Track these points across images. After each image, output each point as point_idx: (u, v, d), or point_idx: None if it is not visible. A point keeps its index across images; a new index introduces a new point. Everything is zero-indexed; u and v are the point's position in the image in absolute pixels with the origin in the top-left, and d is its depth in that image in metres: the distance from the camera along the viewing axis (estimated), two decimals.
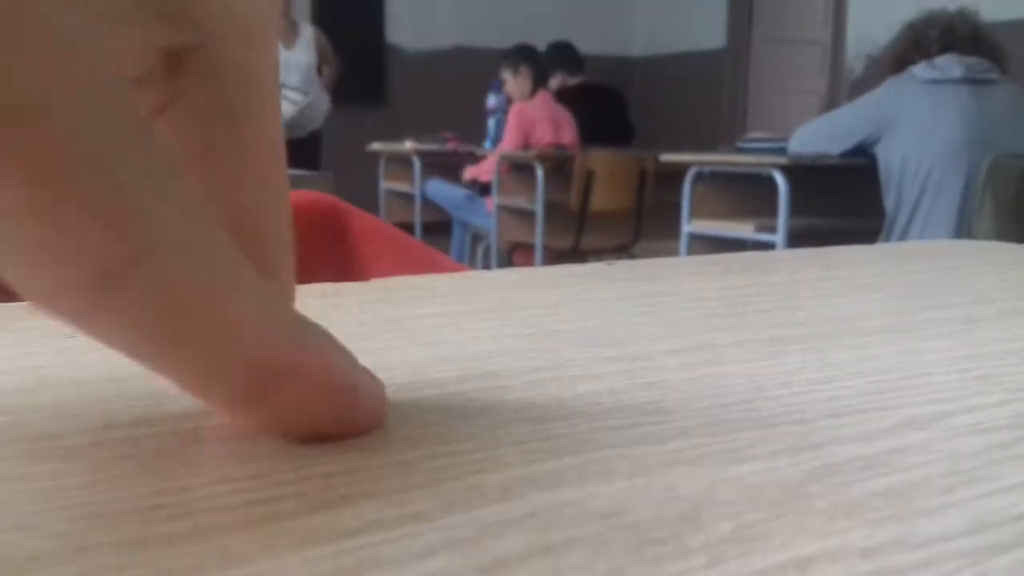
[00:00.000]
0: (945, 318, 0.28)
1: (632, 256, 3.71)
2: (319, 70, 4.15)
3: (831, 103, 6.15)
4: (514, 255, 4.01)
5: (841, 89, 6.07)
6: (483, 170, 4.16)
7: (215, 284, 0.12)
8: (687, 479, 0.14)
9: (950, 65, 2.38)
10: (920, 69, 2.43)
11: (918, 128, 2.42)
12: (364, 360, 0.21)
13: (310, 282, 0.32)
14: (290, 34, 4.04)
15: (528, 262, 3.84)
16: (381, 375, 0.20)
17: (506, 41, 4.70)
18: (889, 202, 2.54)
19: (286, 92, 3.95)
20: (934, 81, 2.40)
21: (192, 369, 0.13)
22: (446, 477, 0.14)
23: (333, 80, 4.22)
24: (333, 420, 0.15)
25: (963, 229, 2.36)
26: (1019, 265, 0.40)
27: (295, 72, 4.06)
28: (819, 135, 2.67)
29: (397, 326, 0.25)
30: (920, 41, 2.48)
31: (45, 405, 0.17)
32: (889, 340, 0.24)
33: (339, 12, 6.32)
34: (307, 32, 4.12)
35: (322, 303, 0.28)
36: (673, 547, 0.12)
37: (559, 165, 3.81)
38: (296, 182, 1.82)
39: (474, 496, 0.13)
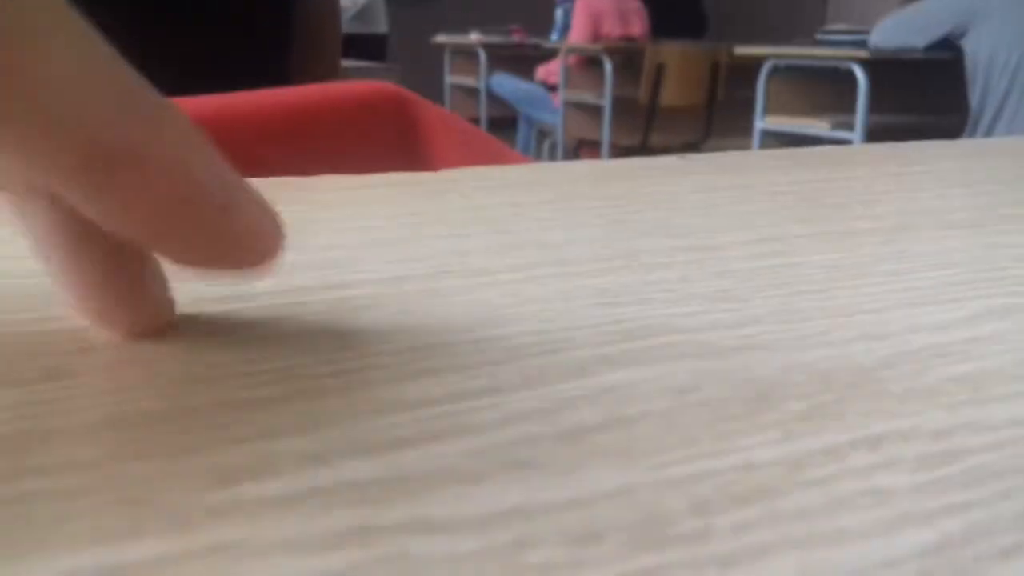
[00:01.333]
0: None
1: (701, 153, 3.62)
2: None
3: None
4: (580, 152, 3.96)
5: None
6: (551, 71, 4.07)
7: (32, 34, 0.10)
8: (759, 362, 0.14)
9: None
10: None
11: (1009, 18, 2.29)
12: (436, 246, 0.21)
13: (377, 171, 0.32)
14: None
15: (594, 158, 3.78)
16: (454, 260, 0.20)
17: None
18: (974, 98, 2.42)
19: None
20: None
21: (19, 144, 0.11)
22: (523, 355, 0.14)
23: None
24: (196, 238, 0.12)
25: None
26: None
27: None
28: (903, 27, 2.54)
29: (469, 215, 0.25)
30: None
31: None
32: (967, 234, 0.24)
33: None
34: None
35: (392, 192, 0.29)
36: (745, 423, 0.12)
37: (628, 58, 3.70)
38: (361, 73, 1.82)
39: (550, 372, 0.14)
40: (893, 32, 2.57)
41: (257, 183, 0.27)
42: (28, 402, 0.12)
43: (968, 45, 2.41)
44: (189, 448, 0.11)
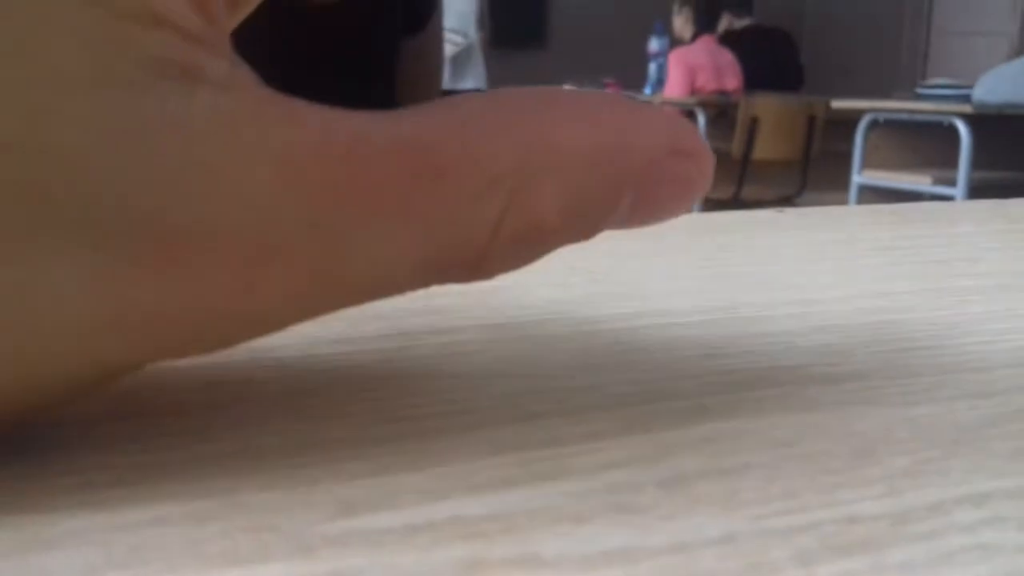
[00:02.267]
0: None
1: (795, 207, 3.56)
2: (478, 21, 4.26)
3: (1022, 47, 5.64)
4: None
5: None
6: None
7: None
8: (863, 417, 0.14)
9: None
10: None
11: None
12: (538, 294, 0.22)
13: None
14: None
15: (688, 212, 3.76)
16: (556, 308, 0.21)
17: None
18: None
19: (446, 35, 4.07)
20: None
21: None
22: (625, 403, 0.15)
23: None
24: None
25: None
26: None
27: (453, 17, 4.18)
28: (1011, 81, 2.47)
29: (569, 265, 0.26)
30: None
31: None
32: None
33: None
34: None
35: None
36: (848, 477, 0.12)
37: (722, 111, 3.69)
38: None
39: (653, 420, 0.14)
40: (1000, 86, 2.51)
41: None
42: (161, 434, 0.13)
43: None
44: (310, 481, 0.12)
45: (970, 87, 2.65)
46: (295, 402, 0.14)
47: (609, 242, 0.30)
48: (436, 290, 0.22)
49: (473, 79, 4.43)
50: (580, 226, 0.12)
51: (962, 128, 2.43)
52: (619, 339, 0.18)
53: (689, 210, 0.13)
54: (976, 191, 2.44)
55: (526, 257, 0.12)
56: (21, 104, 0.09)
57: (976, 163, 2.44)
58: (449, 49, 4.18)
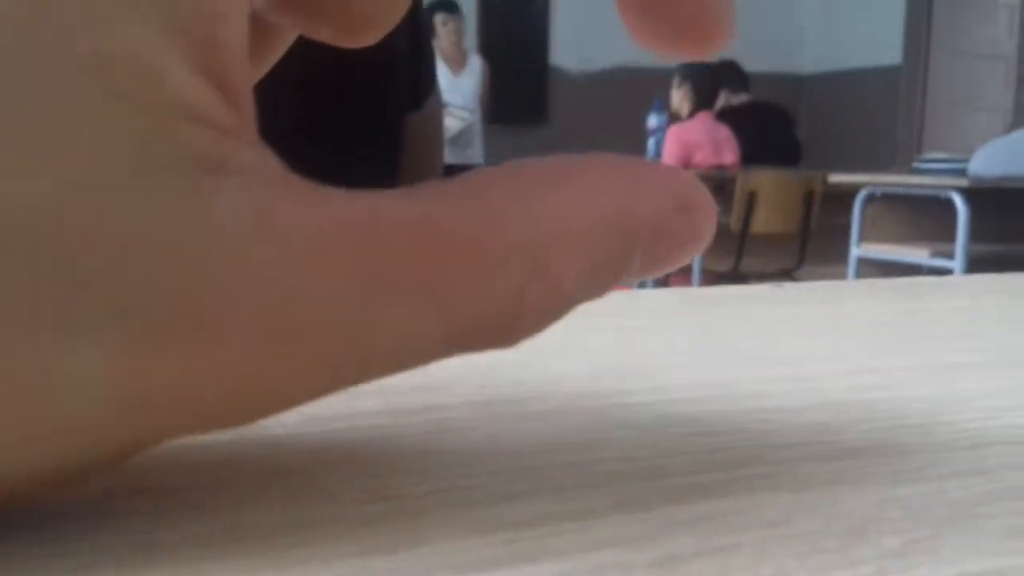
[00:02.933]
0: None
1: (796, 280, 3.59)
2: (480, 100, 4.45)
3: (1017, 122, 5.73)
4: (670, 277, 3.96)
5: None
6: None
7: None
8: (854, 496, 0.14)
9: None
10: None
11: None
12: (532, 370, 0.22)
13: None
14: (460, 62, 4.37)
15: (685, 284, 3.78)
16: (548, 385, 0.21)
17: (669, 61, 4.65)
18: None
19: (453, 110, 4.25)
20: None
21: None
22: (616, 481, 0.15)
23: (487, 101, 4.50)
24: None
25: None
26: None
27: (460, 95, 4.35)
28: (1006, 154, 2.50)
29: (562, 340, 0.26)
30: None
31: None
32: None
33: (505, 36, 6.48)
34: (475, 62, 4.48)
35: None
36: (839, 557, 0.12)
37: (720, 185, 3.73)
38: None
39: (643, 499, 0.14)
40: (995, 159, 2.54)
41: None
42: (154, 513, 0.13)
43: None
44: (300, 562, 0.12)
45: (966, 161, 2.69)
46: (287, 480, 0.14)
47: (604, 317, 0.30)
48: (432, 365, 0.22)
49: (474, 153, 4.54)
50: (596, 286, 0.12)
51: (959, 201, 2.46)
52: (611, 415, 0.18)
53: (694, 257, 0.13)
54: (974, 264, 2.45)
55: (547, 321, 0.12)
56: (59, 193, 0.09)
57: (974, 236, 2.46)
58: (456, 124, 4.30)
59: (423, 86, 0.62)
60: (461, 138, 4.37)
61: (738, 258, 3.59)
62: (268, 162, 0.10)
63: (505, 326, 0.12)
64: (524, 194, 0.11)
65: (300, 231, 0.10)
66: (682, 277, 3.86)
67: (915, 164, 3.00)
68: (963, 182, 2.47)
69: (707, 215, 0.13)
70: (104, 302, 0.09)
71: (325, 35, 0.14)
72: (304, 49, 0.16)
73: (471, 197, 0.11)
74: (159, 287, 0.09)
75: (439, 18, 4.39)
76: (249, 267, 0.10)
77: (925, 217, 2.73)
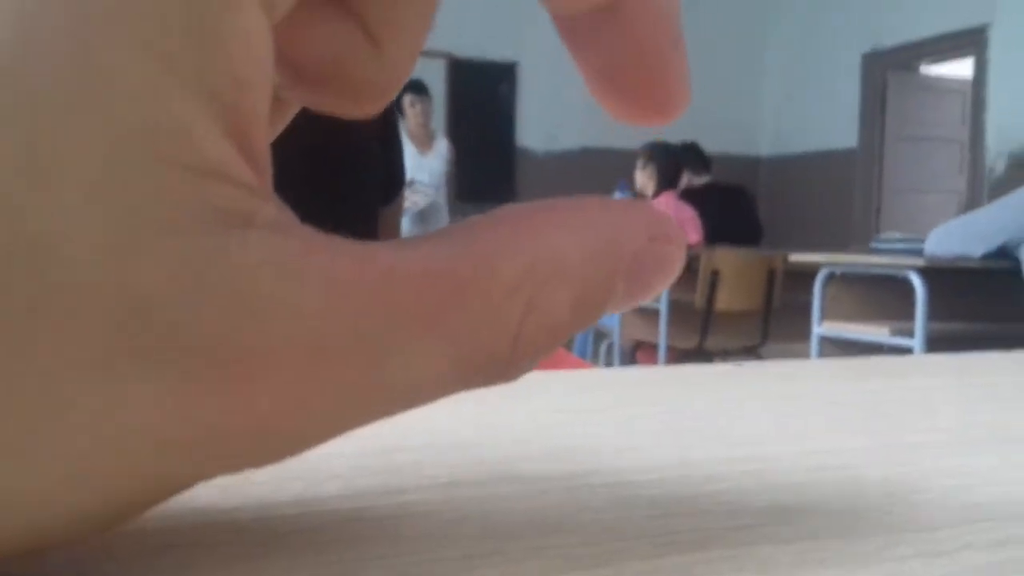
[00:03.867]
0: None
1: (760, 358, 3.62)
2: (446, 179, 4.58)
3: (971, 203, 5.92)
4: (637, 354, 3.98)
5: (982, 189, 5.84)
6: None
7: None
8: None
9: None
10: None
11: None
12: (494, 452, 0.22)
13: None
14: (426, 143, 4.50)
15: (651, 361, 3.80)
16: (511, 466, 0.21)
17: (632, 142, 4.77)
18: None
19: (420, 188, 4.36)
20: None
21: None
22: (577, 566, 0.15)
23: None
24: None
25: None
26: None
27: (426, 174, 4.45)
28: (960, 234, 2.56)
29: (526, 421, 0.26)
30: None
31: None
32: None
33: (473, 117, 6.61)
34: (442, 144, 4.60)
35: (456, 396, 0.30)
36: None
37: (684, 264, 3.78)
38: None
39: None
40: (949, 239, 2.60)
41: None
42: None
43: None
44: None
45: (922, 241, 2.75)
46: (249, 566, 0.14)
47: (569, 396, 0.30)
48: (394, 447, 0.22)
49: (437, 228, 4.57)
50: (586, 318, 0.13)
51: (916, 281, 2.51)
52: (571, 498, 0.18)
53: (668, 285, 0.14)
54: (934, 342, 2.49)
55: (544, 354, 0.13)
56: (106, 247, 0.10)
57: (932, 314, 2.51)
58: (423, 200, 4.37)
59: (394, 183, 0.63)
60: (427, 213, 4.45)
61: (703, 335, 3.62)
62: (288, 216, 0.12)
63: (506, 358, 0.13)
64: (518, 236, 0.13)
65: (322, 278, 0.11)
66: (649, 354, 3.88)
67: (872, 244, 3.07)
68: (920, 262, 2.53)
69: (679, 246, 0.14)
70: (146, 346, 0.10)
71: (330, 105, 0.15)
72: (281, 146, 0.17)
73: (469, 242, 0.12)
74: (194, 330, 0.10)
75: (407, 99, 4.48)
76: (279, 312, 0.11)
77: (884, 296, 2.78)
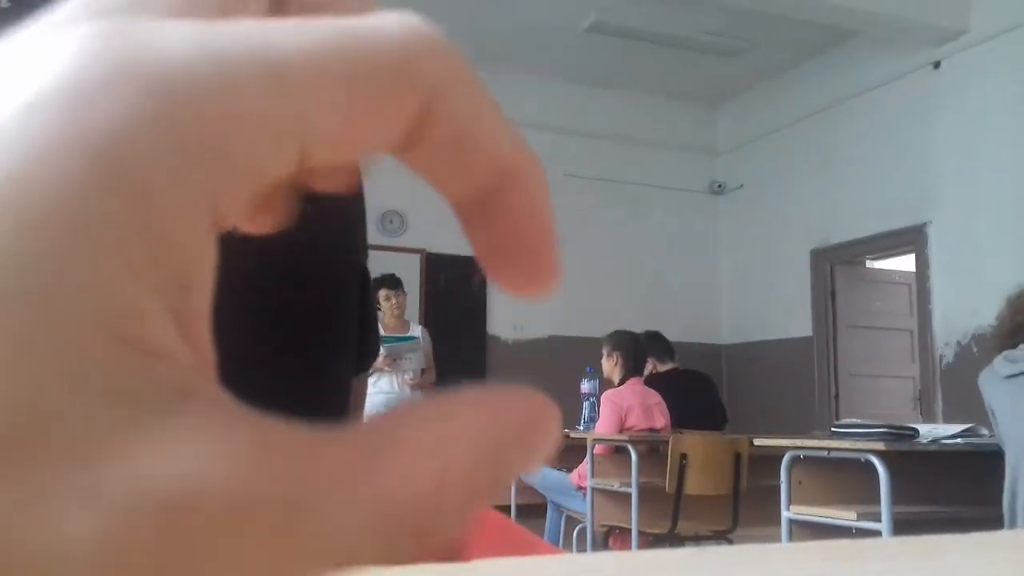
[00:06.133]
0: None
1: (731, 542, 3.55)
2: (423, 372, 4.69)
3: (925, 389, 6.05)
4: (610, 539, 3.88)
5: (935, 375, 5.99)
6: (584, 474, 4.11)
7: None
8: None
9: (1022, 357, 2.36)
10: (999, 363, 2.42)
11: (1006, 421, 2.37)
12: None
13: (411, 563, 0.34)
14: (401, 331, 4.63)
15: (624, 546, 3.70)
16: None
17: (598, 331, 4.87)
18: (1005, 485, 2.42)
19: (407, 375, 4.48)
20: (1011, 376, 2.37)
21: None
22: None
23: (429, 382, 4.72)
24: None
25: None
26: None
27: (409, 364, 4.57)
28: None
29: None
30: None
31: None
32: None
33: (447, 308, 6.77)
34: (416, 330, 4.68)
35: None
36: None
37: (652, 448, 3.78)
38: None
39: None
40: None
41: None
42: None
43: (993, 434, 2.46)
44: None
45: (880, 426, 2.78)
46: None
47: None
48: None
49: None
50: (491, 486, 0.15)
51: (878, 464, 2.52)
52: None
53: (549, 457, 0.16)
54: (900, 525, 2.48)
55: (470, 508, 0.14)
56: (69, 411, 0.12)
57: (899, 497, 2.51)
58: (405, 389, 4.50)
59: (369, 350, 0.66)
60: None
61: (675, 520, 3.56)
62: (223, 395, 0.13)
63: (426, 526, 0.14)
64: (432, 420, 0.14)
65: (251, 444, 0.13)
66: (622, 539, 3.78)
67: (833, 429, 3.10)
68: (880, 446, 2.55)
69: (555, 419, 0.16)
70: (96, 489, 0.12)
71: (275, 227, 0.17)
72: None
73: (390, 418, 0.14)
74: (141, 470, 0.12)
75: (383, 293, 4.61)
76: (212, 464, 0.12)
77: (850, 479, 2.78)
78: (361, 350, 0.62)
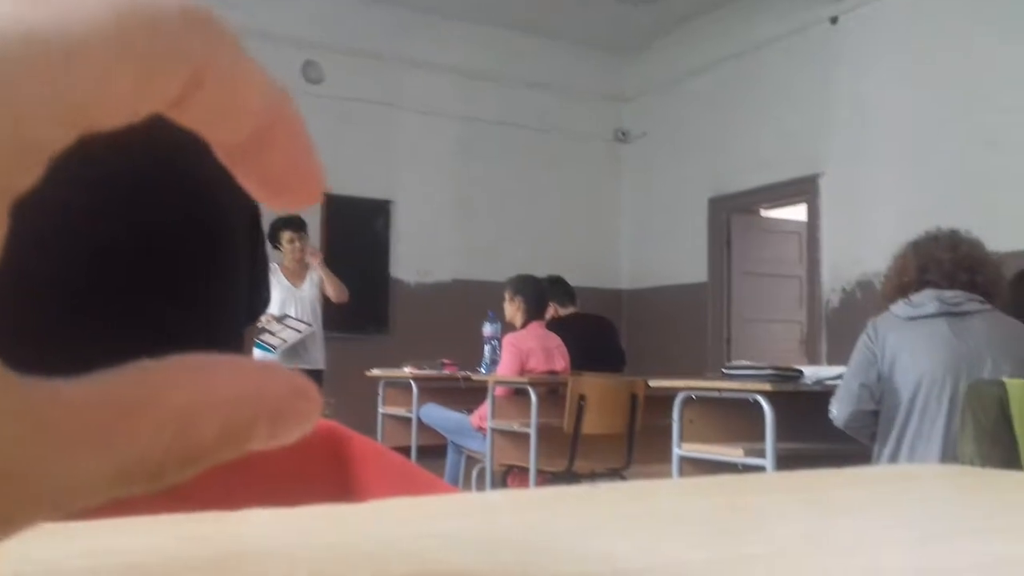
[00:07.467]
0: (904, 538, 0.30)
1: (624, 478, 3.67)
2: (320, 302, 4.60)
3: (811, 333, 6.34)
4: (508, 477, 3.96)
5: (821, 320, 6.28)
6: (484, 415, 4.15)
7: None
8: None
9: (926, 301, 2.49)
10: (900, 308, 2.54)
11: (903, 360, 2.50)
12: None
13: (309, 503, 0.34)
14: (301, 276, 4.54)
15: (523, 484, 3.78)
16: None
17: (500, 275, 4.90)
18: (880, 427, 2.56)
19: (291, 322, 4.36)
20: (911, 318, 2.50)
21: None
22: None
23: (337, 290, 4.65)
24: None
25: (949, 453, 2.36)
26: (976, 488, 0.42)
27: (299, 305, 4.47)
28: (847, 400, 2.63)
29: (391, 545, 0.27)
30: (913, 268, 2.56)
31: None
32: (849, 557, 0.26)
33: (349, 252, 6.64)
34: (314, 274, 4.63)
35: (320, 524, 0.30)
36: None
37: (552, 389, 3.85)
38: None
39: None
40: (842, 406, 2.65)
41: (184, 518, 0.29)
42: None
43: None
44: None
45: (768, 367, 2.91)
46: None
47: (436, 520, 0.31)
48: (258, 571, 0.23)
49: (316, 359, 4.57)
50: (229, 448, 0.16)
51: (764, 404, 2.64)
52: None
53: (311, 430, 0.17)
54: (783, 460, 2.61)
55: (189, 469, 0.16)
56: None
57: (782, 435, 2.64)
58: (292, 336, 4.35)
59: (259, 300, 0.63)
60: (301, 346, 4.45)
61: (571, 458, 3.65)
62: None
63: (157, 471, 0.15)
64: (181, 375, 0.15)
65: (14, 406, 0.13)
66: (520, 478, 3.87)
67: (724, 370, 3.22)
68: (767, 387, 2.67)
69: (315, 405, 0.17)
70: None
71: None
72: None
73: (139, 377, 0.15)
74: None
75: (287, 235, 4.50)
76: None
77: (738, 419, 2.91)
78: (251, 300, 0.59)
